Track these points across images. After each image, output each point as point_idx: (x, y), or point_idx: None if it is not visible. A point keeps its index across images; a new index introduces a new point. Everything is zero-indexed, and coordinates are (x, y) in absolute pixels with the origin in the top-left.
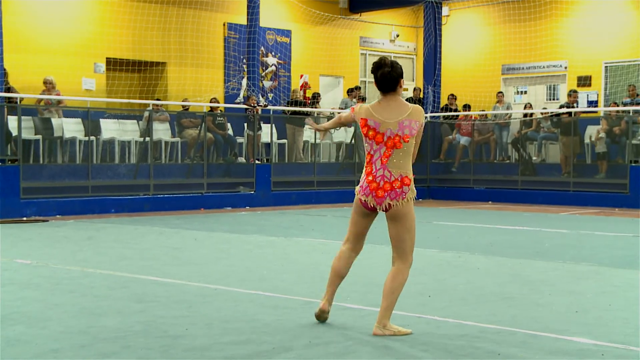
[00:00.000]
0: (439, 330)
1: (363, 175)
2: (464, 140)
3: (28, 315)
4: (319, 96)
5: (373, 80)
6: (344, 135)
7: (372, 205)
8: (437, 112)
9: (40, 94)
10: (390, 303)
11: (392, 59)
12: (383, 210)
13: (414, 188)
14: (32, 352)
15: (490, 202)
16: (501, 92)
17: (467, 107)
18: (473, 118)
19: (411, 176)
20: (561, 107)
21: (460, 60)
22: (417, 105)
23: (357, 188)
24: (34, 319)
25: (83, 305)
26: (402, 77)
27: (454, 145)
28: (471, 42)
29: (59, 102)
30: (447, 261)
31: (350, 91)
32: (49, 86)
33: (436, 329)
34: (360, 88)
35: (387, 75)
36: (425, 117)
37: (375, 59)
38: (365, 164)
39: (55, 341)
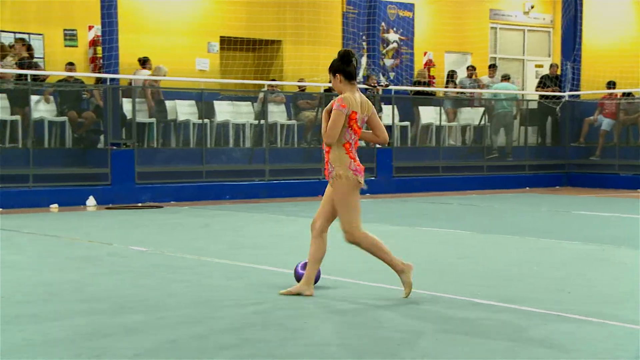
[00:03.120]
0: (578, 333)
1: (350, 159)
2: (605, 124)
3: (145, 303)
4: (455, 74)
5: (344, 69)
6: (472, 115)
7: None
8: (577, 90)
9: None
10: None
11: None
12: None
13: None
14: (150, 340)
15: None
16: None
17: (611, 84)
18: (618, 97)
19: None
20: None
21: (604, 32)
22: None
23: (350, 172)
24: (151, 307)
25: (200, 295)
26: None
27: (596, 128)
28: (616, 12)
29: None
30: (588, 254)
31: (470, 68)
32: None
33: (577, 330)
34: (495, 66)
35: (356, 65)
36: (564, 97)
37: (508, 33)
38: (348, 149)
39: (173, 331)
